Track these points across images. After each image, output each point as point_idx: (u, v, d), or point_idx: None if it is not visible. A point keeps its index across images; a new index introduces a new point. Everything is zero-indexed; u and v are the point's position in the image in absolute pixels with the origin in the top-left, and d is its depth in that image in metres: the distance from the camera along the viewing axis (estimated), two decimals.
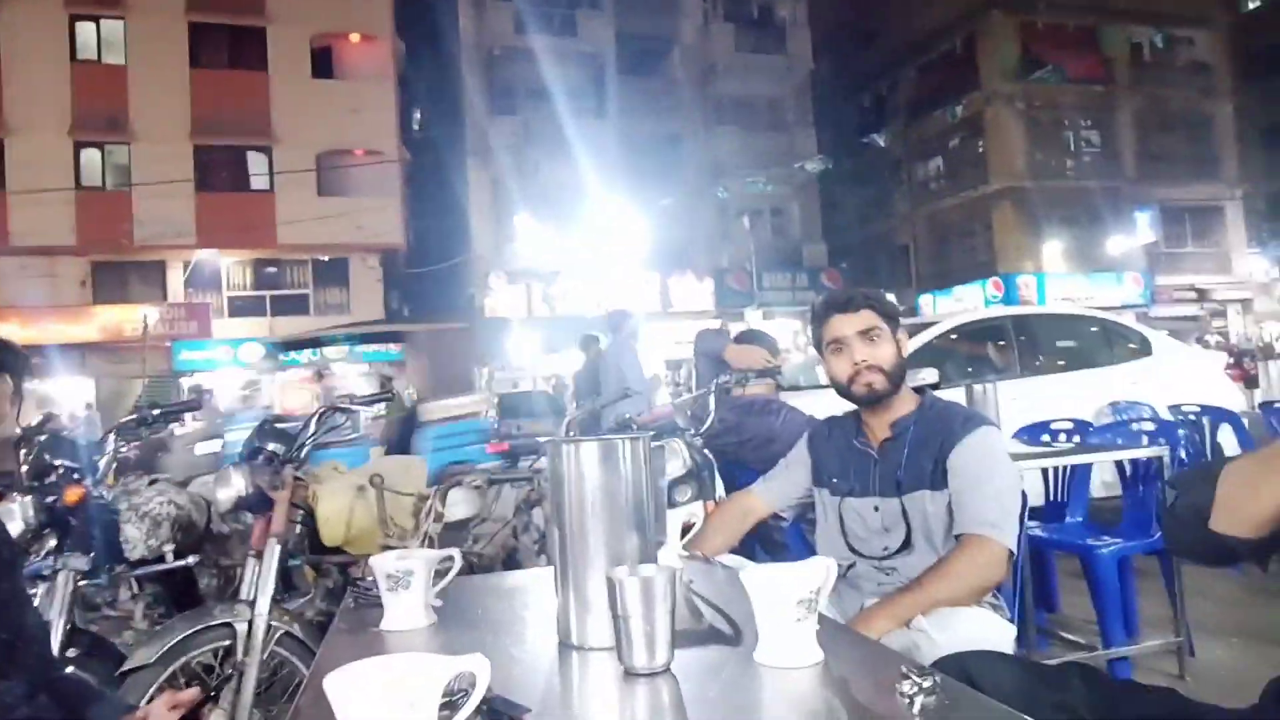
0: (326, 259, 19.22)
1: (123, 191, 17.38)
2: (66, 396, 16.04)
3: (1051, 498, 3.62)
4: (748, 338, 3.76)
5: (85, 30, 17.69)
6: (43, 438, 2.80)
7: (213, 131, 17.83)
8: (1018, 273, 21.39)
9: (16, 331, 16.49)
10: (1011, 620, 1.71)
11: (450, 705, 0.80)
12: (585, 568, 1.15)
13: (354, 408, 2.75)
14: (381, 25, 19.41)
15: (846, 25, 26.13)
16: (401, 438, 6.86)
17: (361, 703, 0.74)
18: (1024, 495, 1.80)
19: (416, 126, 23.08)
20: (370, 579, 1.40)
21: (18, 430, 3.08)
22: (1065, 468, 3.50)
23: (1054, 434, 3.99)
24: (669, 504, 2.91)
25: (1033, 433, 4.01)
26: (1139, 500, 3.18)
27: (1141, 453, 3.10)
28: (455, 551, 1.42)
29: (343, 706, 0.74)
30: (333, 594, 2.71)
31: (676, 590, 1.02)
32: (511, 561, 2.92)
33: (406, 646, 1.19)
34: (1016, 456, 2.36)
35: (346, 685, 0.75)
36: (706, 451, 3.12)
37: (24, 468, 2.67)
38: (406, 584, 1.29)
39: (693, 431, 3.11)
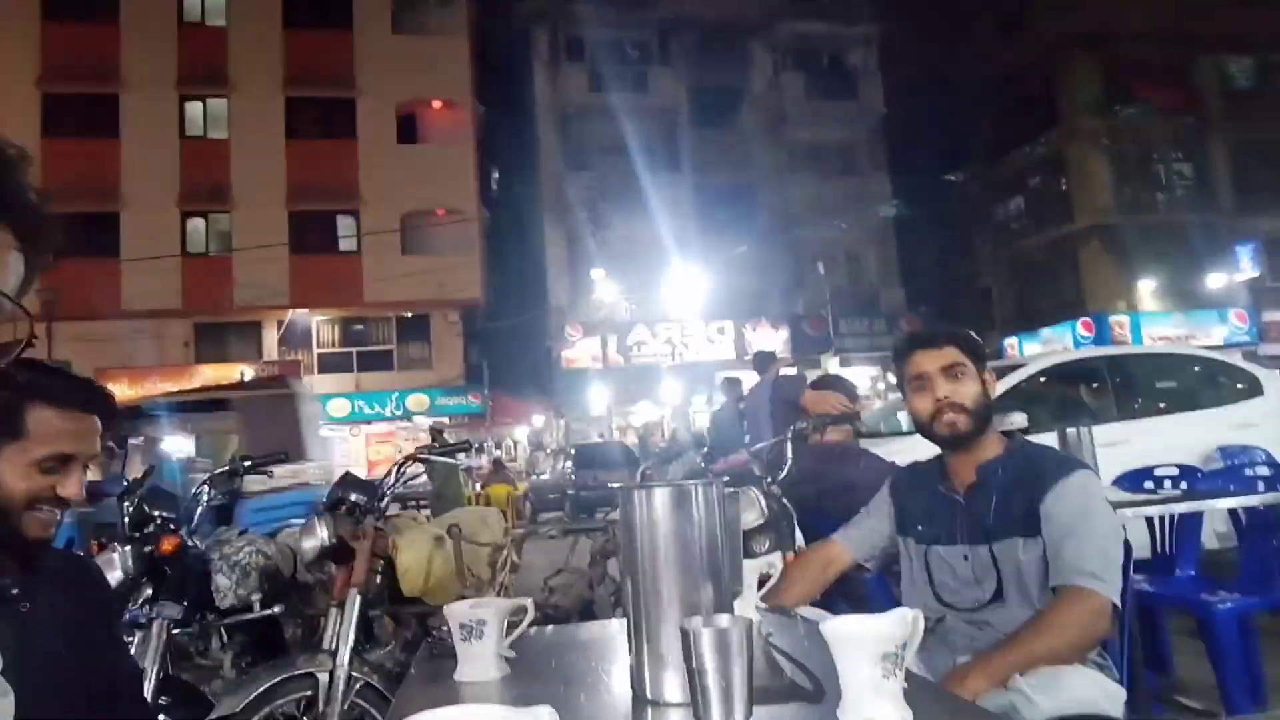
0: (410, 315, 19.90)
1: (224, 256, 18.48)
2: (171, 451, 16.86)
3: (1159, 549, 3.39)
4: (825, 383, 3.69)
5: (193, 109, 19.08)
6: (143, 490, 2.93)
7: (306, 197, 18.85)
8: (1109, 312, 20.52)
9: (126, 390, 17.53)
10: (1120, 681, 1.59)
11: None
12: (658, 618, 1.11)
13: (432, 458, 2.80)
14: (461, 91, 20.30)
15: (919, 68, 26.03)
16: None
17: None
18: (1128, 545, 1.68)
19: (494, 185, 23.91)
20: (445, 629, 1.40)
21: (124, 482, 3.24)
22: (1173, 517, 3.28)
23: (1158, 480, 3.75)
24: (746, 555, 2.84)
25: (1134, 479, 3.78)
26: (1258, 552, 2.94)
27: (1259, 500, 2.88)
28: (528, 601, 1.40)
29: None
30: (412, 645, 2.72)
31: (754, 643, 0.98)
32: (588, 613, 2.89)
33: (478, 698, 1.17)
34: (1117, 504, 2.22)
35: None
36: (784, 500, 3.04)
37: (125, 518, 2.80)
38: (479, 634, 1.28)
39: (769, 480, 3.05)
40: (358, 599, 2.45)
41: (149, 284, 17.62)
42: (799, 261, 22.08)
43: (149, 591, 2.60)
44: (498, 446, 18.21)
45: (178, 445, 15.40)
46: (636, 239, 19.91)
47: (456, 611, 1.32)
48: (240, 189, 18.68)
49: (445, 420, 19.08)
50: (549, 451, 15.28)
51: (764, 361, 6.54)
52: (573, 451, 12.72)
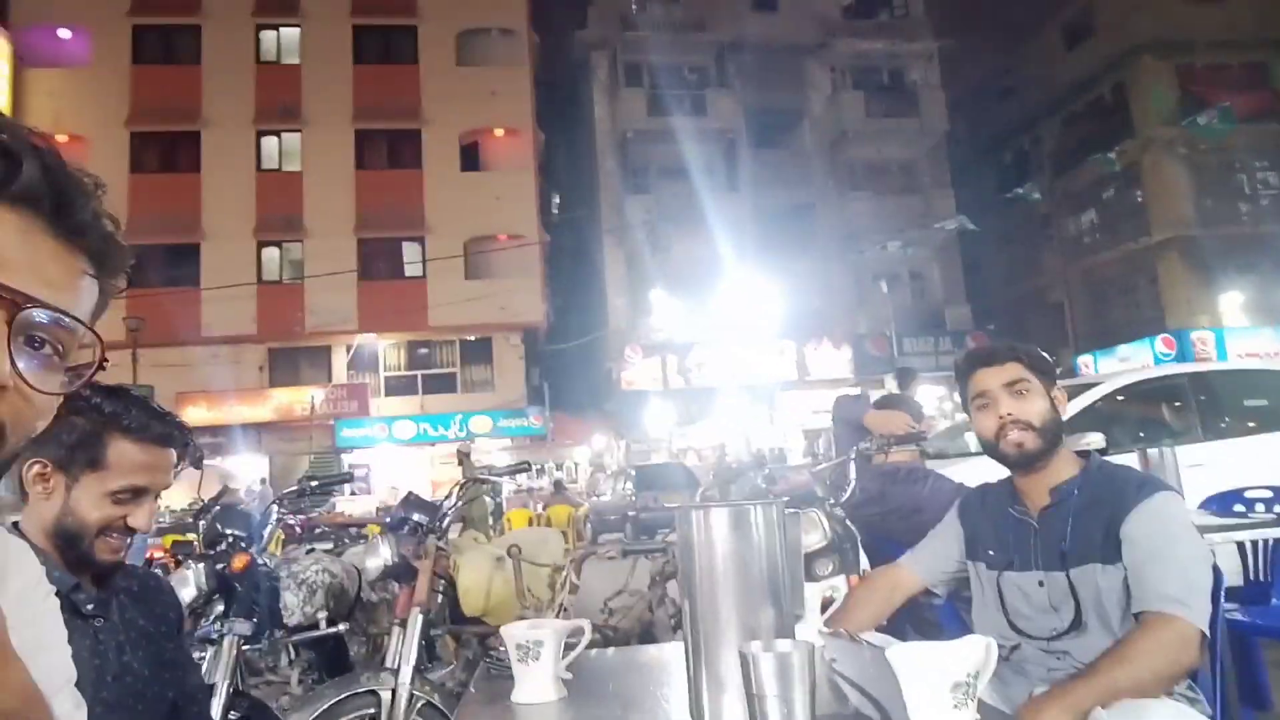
0: (473, 339, 20.27)
1: (297, 284, 19.15)
2: (244, 471, 17.48)
3: (1251, 577, 3.19)
4: (888, 403, 3.60)
5: (269, 144, 19.92)
6: (216, 509, 3.02)
7: (374, 226, 19.45)
8: (1191, 328, 19.62)
9: (204, 413, 18.27)
10: (1211, 717, 1.49)
11: None
12: (717, 642, 1.09)
13: (492, 478, 2.81)
14: (523, 119, 20.73)
15: (982, 82, 25.55)
16: None
17: None
18: (1217, 571, 1.58)
19: (555, 210, 24.29)
20: (503, 649, 1.39)
21: (201, 502, 3.35)
22: (1267, 542, 3.09)
23: (1249, 503, 3.54)
24: (809, 578, 2.78)
25: (1223, 502, 3.58)
26: None
27: None
28: (585, 623, 1.39)
29: None
30: (472, 664, 2.73)
31: (817, 669, 0.95)
32: (647, 636, 2.86)
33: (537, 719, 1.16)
34: (1205, 529, 2.10)
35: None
36: (848, 523, 2.98)
37: (199, 536, 2.89)
38: (536, 655, 1.28)
39: (832, 501, 2.98)
40: (420, 618, 2.47)
41: (226, 311, 18.37)
42: (860, 280, 21.77)
43: (220, 608, 2.67)
44: (558, 468, 18.32)
45: (252, 465, 15.87)
46: (696, 260, 19.93)
47: (514, 632, 1.31)
48: (312, 219, 19.38)
49: (472, 442, 19.29)
50: (609, 473, 15.30)
51: (906, 377, 6.33)
52: (633, 472, 12.72)
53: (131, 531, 1.40)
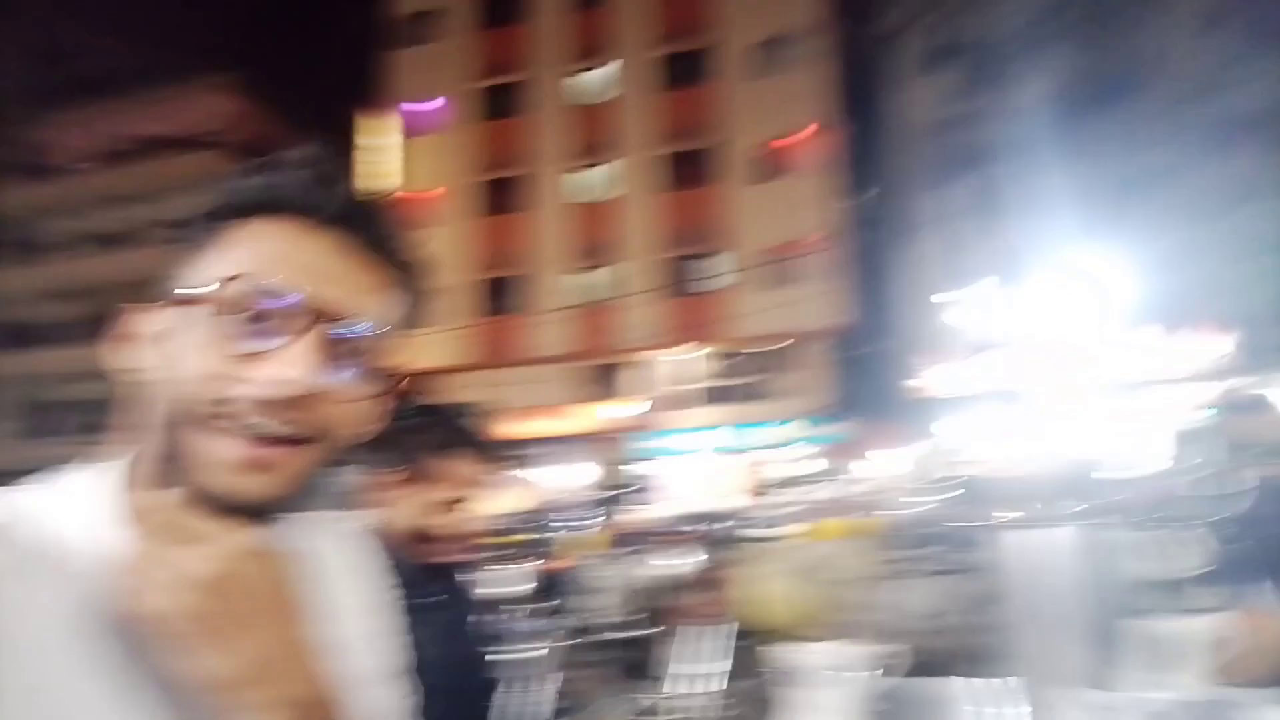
0: (778, 347, 20.30)
1: (609, 305, 20.68)
2: (568, 481, 19.14)
3: None
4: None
5: (583, 178, 21.83)
6: (540, 516, 3.26)
7: (681, 243, 20.42)
8: None
9: (533, 427, 20.36)
10: None
11: None
12: (1051, 680, 0.87)
13: (788, 488, 2.70)
14: (821, 119, 20.45)
15: None
16: None
17: None
18: None
19: (856, 208, 23.55)
20: (800, 669, 1.27)
21: (524, 509, 3.65)
22: None
23: None
24: (1184, 610, 2.28)
25: None
26: None
27: None
28: (897, 647, 1.23)
29: None
30: (773, 678, 2.63)
31: None
32: (968, 663, 2.55)
33: None
34: None
35: None
36: (1240, 545, 2.40)
37: (523, 540, 3.13)
38: (837, 681, 1.14)
39: (1214, 518, 2.43)
40: (720, 628, 2.43)
41: (550, 333, 20.41)
42: (1242, 251, 18.14)
43: (542, 605, 2.86)
44: (865, 479, 17.62)
45: (575, 475, 17.26)
46: (1018, 247, 18.04)
47: (814, 656, 1.19)
48: (622, 243, 20.83)
49: (816, 449, 18.93)
50: (919, 483, 14.27)
51: None
52: (947, 483, 11.75)
53: (457, 537, 1.52)
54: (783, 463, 18.47)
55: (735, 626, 2.57)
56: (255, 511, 0.58)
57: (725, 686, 2.40)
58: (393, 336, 0.63)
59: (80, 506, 0.59)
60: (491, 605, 1.75)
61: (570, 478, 18.64)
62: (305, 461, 0.59)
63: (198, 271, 0.59)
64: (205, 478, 0.56)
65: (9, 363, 24.17)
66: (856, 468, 17.14)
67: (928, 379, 18.72)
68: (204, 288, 0.57)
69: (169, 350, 0.58)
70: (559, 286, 20.91)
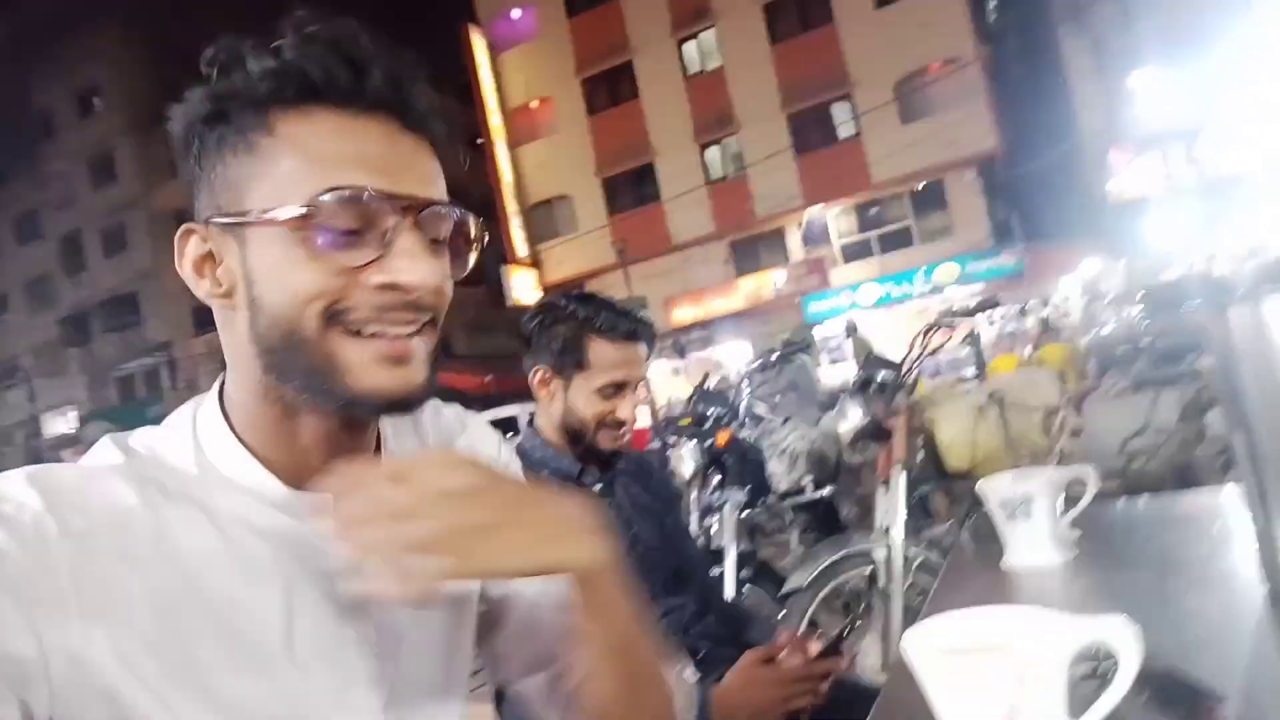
0: (921, 186, 19.03)
1: (740, 176, 20.00)
2: (730, 360, 19.25)
3: None
4: None
5: (689, 49, 20.83)
6: (699, 393, 3.27)
7: (798, 97, 19.23)
8: None
9: (688, 311, 20.44)
10: None
11: (1096, 676, 0.57)
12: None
13: (953, 321, 2.54)
14: None
15: None
16: None
17: (948, 674, 0.56)
18: None
19: (991, 16, 21.16)
20: (987, 506, 1.20)
21: (694, 389, 3.68)
22: None
23: None
24: None
25: None
26: None
27: None
28: (1089, 469, 1.12)
29: (927, 675, 0.58)
30: (968, 520, 2.55)
31: None
32: (1184, 480, 2.35)
33: (1031, 589, 0.96)
34: None
35: (927, 650, 0.58)
36: None
37: (690, 419, 3.16)
38: (1026, 512, 1.06)
39: None
40: (902, 476, 2.36)
41: (687, 217, 20.09)
42: None
43: (717, 479, 2.91)
44: (1044, 304, 16.47)
45: (735, 352, 17.35)
46: (1189, 22, 15.67)
47: (996, 486, 1.11)
48: (741, 109, 19.90)
49: (980, 286, 17.94)
50: (1109, 300, 13.14)
51: None
52: (1140, 295, 10.75)
53: (621, 423, 1.54)
54: (954, 303, 17.58)
55: (916, 473, 2.50)
56: (404, 405, 0.60)
57: (921, 534, 2.36)
58: (472, 215, 0.63)
59: (198, 439, 0.62)
60: (665, 483, 1.77)
61: (734, 354, 18.74)
62: (428, 347, 0.61)
63: (264, 185, 0.57)
64: (350, 383, 0.57)
65: None
66: (1035, 295, 16.09)
67: (1107, 184, 17.02)
68: (283, 206, 0.56)
69: (266, 272, 0.57)
70: (689, 166, 20.41)
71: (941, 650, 0.57)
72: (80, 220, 27.81)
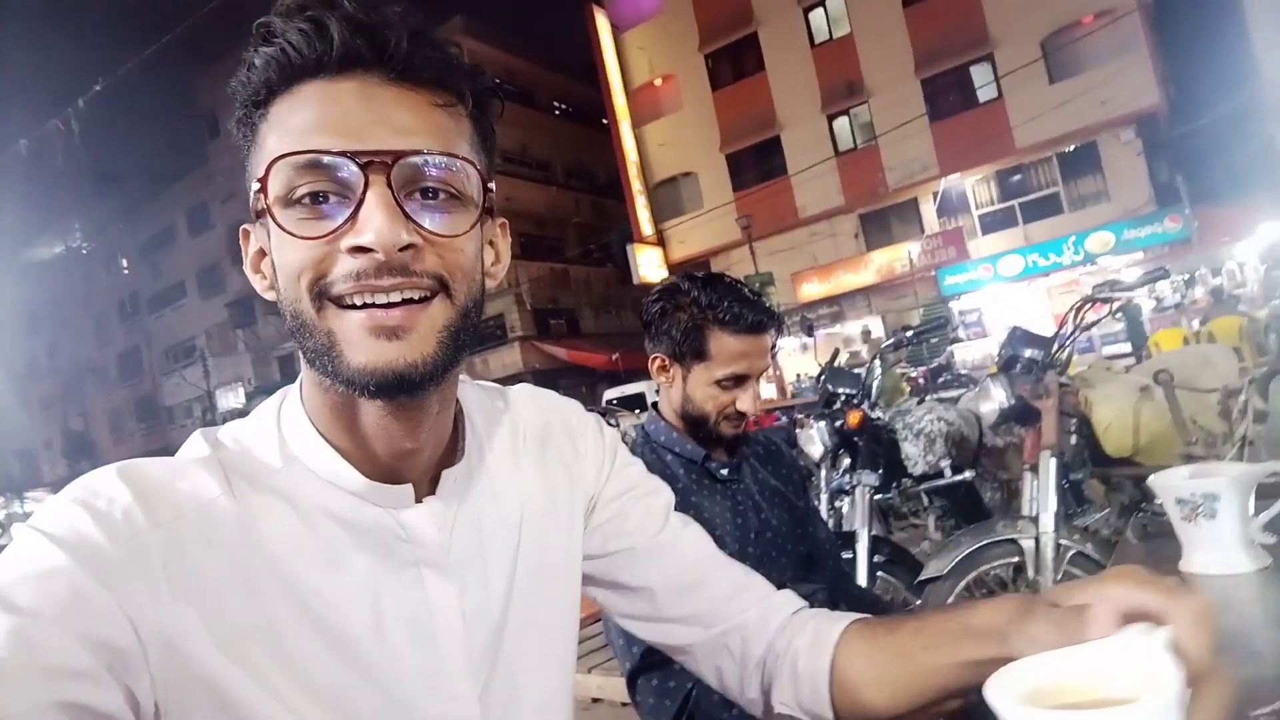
0: (1071, 149, 17.68)
1: (870, 146, 19.20)
2: (860, 334, 18.67)
3: None
4: None
5: (816, 16, 20.13)
6: (828, 371, 3.17)
7: (933, 60, 18.22)
8: None
9: (816, 287, 19.94)
10: None
11: None
12: None
13: (1114, 295, 2.32)
14: None
15: None
16: None
17: None
18: None
19: None
20: (1159, 502, 1.08)
21: (818, 367, 3.58)
22: None
23: None
24: None
25: None
26: None
27: None
28: None
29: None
30: (1128, 509, 2.35)
31: None
32: None
33: (1221, 601, 0.85)
34: None
35: (1011, 696, 0.44)
36: None
37: (819, 398, 3.07)
38: (1209, 512, 0.94)
39: None
40: (1052, 461, 2.20)
41: (814, 190, 19.53)
42: None
43: (848, 462, 2.80)
44: (1215, 273, 14.99)
45: (864, 327, 16.83)
46: None
47: (1172, 483, 0.99)
48: (870, 75, 19.09)
49: (1139, 255, 16.54)
50: None
51: None
52: None
53: (742, 415, 1.49)
54: (1112, 274, 16.35)
55: (1069, 458, 2.32)
56: (401, 386, 0.55)
57: (1074, 521, 2.19)
58: (469, 160, 0.58)
59: (282, 431, 0.62)
60: (794, 466, 1.72)
61: (873, 328, 18.16)
62: (437, 319, 0.56)
63: (253, 176, 0.57)
64: (349, 360, 0.55)
65: None
66: (1204, 262, 14.71)
67: None
68: (254, 185, 0.56)
69: (275, 258, 0.58)
70: (816, 138, 19.81)
71: (1027, 698, 0.44)
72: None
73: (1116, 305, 2.42)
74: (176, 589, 0.52)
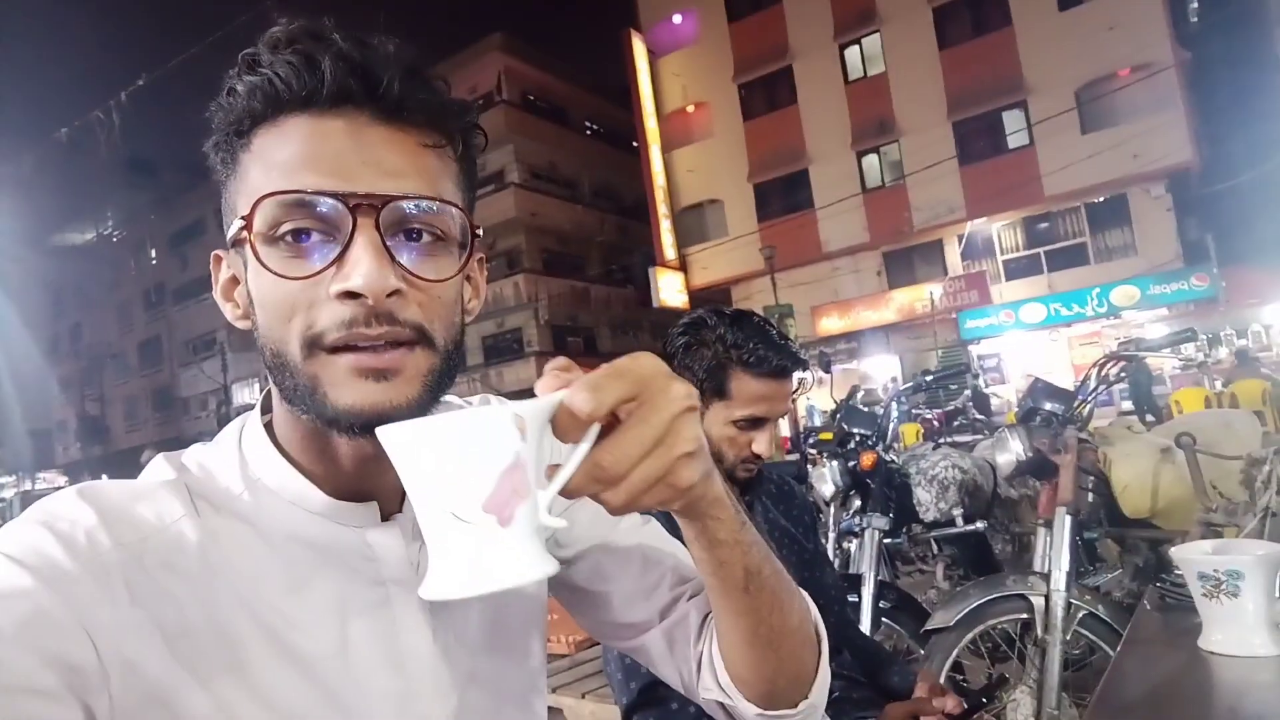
0: (1100, 200, 17.61)
1: (898, 185, 19.22)
2: (876, 373, 18.56)
3: None
4: None
5: (851, 53, 20.24)
6: (843, 410, 3.14)
7: (966, 104, 18.26)
8: None
9: (835, 322, 19.89)
10: None
11: None
12: None
13: (1139, 354, 2.29)
14: None
15: None
16: None
17: None
18: None
19: (1194, 18, 19.31)
20: (1179, 571, 1.06)
21: (838, 405, 3.55)
22: None
23: None
24: None
25: None
26: None
27: None
28: None
29: None
30: (1143, 572, 2.30)
31: None
32: None
33: (1236, 683, 0.83)
34: None
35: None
36: None
37: (830, 434, 3.04)
38: (1233, 590, 0.92)
39: None
40: (1067, 519, 2.16)
41: (839, 225, 19.53)
42: None
43: (858, 503, 2.77)
44: (1240, 335, 14.84)
45: (883, 366, 16.78)
46: None
47: (1193, 556, 0.97)
48: (903, 115, 19.14)
49: (1164, 311, 16.41)
50: None
51: None
52: None
53: (757, 458, 1.47)
54: (1134, 331, 16.22)
55: (1085, 516, 2.28)
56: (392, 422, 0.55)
57: (1080, 584, 2.15)
58: (455, 204, 0.57)
59: (242, 455, 0.61)
60: (805, 508, 1.70)
61: (885, 368, 18.09)
62: (421, 364, 0.56)
63: (240, 203, 0.56)
64: (334, 401, 0.54)
65: None
66: (1230, 323, 14.59)
67: None
68: (238, 222, 0.55)
69: (254, 292, 0.57)
70: (845, 174, 19.86)
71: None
72: None
73: (1124, 365, 2.38)
74: (138, 610, 0.52)
